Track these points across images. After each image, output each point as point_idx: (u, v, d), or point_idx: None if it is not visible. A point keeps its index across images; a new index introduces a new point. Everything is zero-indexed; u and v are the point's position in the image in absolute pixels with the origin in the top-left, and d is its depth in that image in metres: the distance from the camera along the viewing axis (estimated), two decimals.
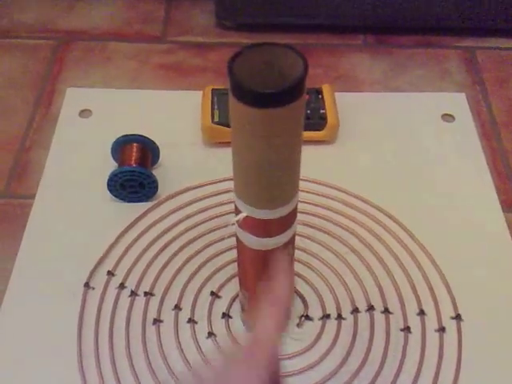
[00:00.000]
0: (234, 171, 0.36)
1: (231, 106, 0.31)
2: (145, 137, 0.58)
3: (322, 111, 0.61)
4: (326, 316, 0.49)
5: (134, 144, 0.57)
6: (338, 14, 0.74)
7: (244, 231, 0.38)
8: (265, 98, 0.29)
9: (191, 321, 0.49)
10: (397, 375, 0.46)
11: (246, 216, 0.37)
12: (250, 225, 0.37)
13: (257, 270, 0.42)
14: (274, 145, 0.32)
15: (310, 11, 0.74)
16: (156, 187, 0.57)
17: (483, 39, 0.76)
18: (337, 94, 0.64)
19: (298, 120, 0.32)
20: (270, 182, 0.34)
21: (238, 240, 0.41)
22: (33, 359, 0.47)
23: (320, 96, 0.63)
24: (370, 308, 0.50)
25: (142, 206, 0.57)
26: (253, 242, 0.39)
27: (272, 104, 0.29)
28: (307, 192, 0.58)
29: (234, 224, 0.38)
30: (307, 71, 0.30)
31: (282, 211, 0.36)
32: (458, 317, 0.49)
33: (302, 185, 0.57)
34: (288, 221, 0.38)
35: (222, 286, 0.51)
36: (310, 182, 0.59)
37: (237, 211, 0.38)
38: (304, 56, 0.30)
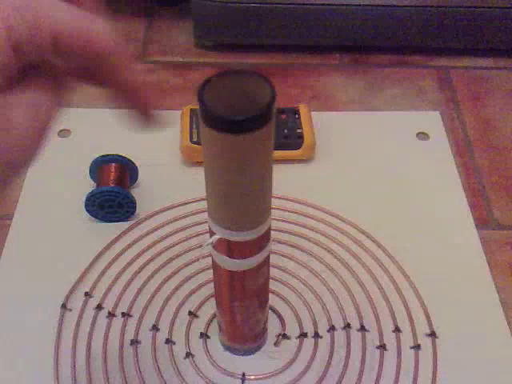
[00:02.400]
0: (207, 194, 0.36)
1: (202, 132, 0.32)
2: (123, 157, 0.58)
3: (298, 130, 0.62)
4: (303, 334, 0.50)
5: (113, 164, 0.58)
6: (315, 34, 0.76)
7: (218, 253, 0.39)
8: (234, 125, 0.30)
9: (169, 341, 0.49)
10: None
11: (220, 238, 0.37)
12: (223, 247, 0.38)
13: (232, 291, 0.42)
14: (245, 169, 0.33)
15: (287, 31, 0.76)
16: (134, 207, 0.57)
17: (457, 58, 0.78)
18: (313, 113, 0.65)
19: (267, 145, 0.33)
20: (242, 205, 0.35)
21: (212, 261, 0.41)
22: (9, 380, 0.47)
23: (297, 115, 0.64)
24: (347, 326, 0.50)
25: (120, 226, 0.57)
26: (227, 263, 0.39)
27: (241, 130, 0.30)
28: (284, 210, 0.58)
29: (207, 246, 0.39)
30: (275, 98, 0.31)
31: (255, 233, 0.37)
32: (432, 334, 0.50)
33: (278, 203, 0.59)
34: (261, 242, 0.39)
35: (199, 306, 0.52)
36: (286, 200, 0.59)
37: (211, 233, 0.38)
38: (272, 83, 0.31)
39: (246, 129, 0.30)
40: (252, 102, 0.31)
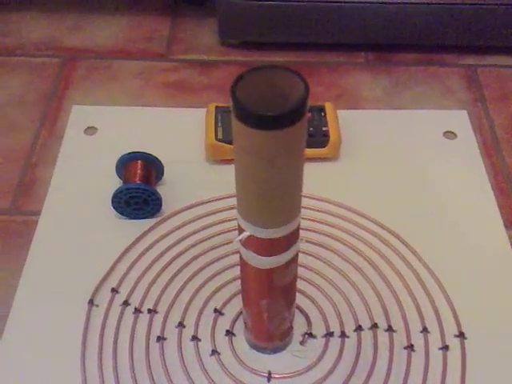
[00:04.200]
0: (237, 191, 0.36)
1: (234, 128, 0.32)
2: (149, 154, 0.58)
3: (324, 129, 0.62)
4: (330, 334, 0.49)
5: (139, 161, 0.58)
6: (340, 32, 0.75)
7: (247, 250, 0.39)
8: (268, 121, 0.30)
9: (195, 338, 0.49)
10: None
11: (249, 235, 0.37)
12: (253, 244, 0.38)
13: (259, 288, 0.42)
14: (277, 165, 0.32)
15: (312, 30, 0.75)
16: (160, 204, 0.57)
17: (484, 57, 0.77)
18: (339, 111, 0.64)
19: (300, 140, 0.33)
20: (273, 201, 0.35)
21: (241, 258, 0.41)
22: (37, 375, 0.47)
23: (323, 114, 0.63)
24: (374, 326, 0.50)
25: (146, 223, 0.57)
26: (256, 260, 0.39)
27: (275, 126, 0.30)
28: (310, 209, 0.58)
29: (237, 242, 0.39)
30: (308, 93, 0.31)
31: (285, 230, 0.37)
32: (461, 335, 0.49)
33: (305, 202, 0.58)
34: (291, 239, 0.38)
35: (225, 303, 0.51)
36: (312, 198, 0.59)
37: (240, 230, 0.38)
38: (305, 78, 0.31)
39: (279, 125, 0.30)
40: (285, 97, 0.31)
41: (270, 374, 0.47)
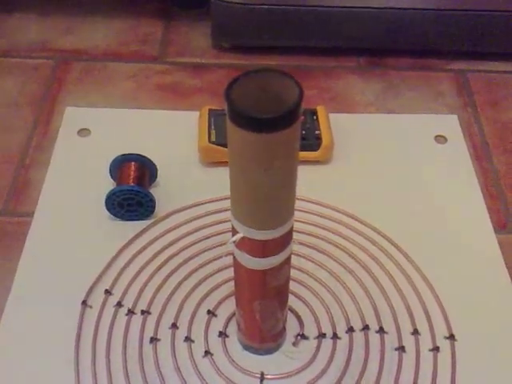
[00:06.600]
0: (232, 193, 0.36)
1: (229, 130, 0.32)
2: (143, 156, 0.58)
3: (316, 132, 0.63)
4: (322, 335, 0.50)
5: (132, 163, 0.58)
6: (333, 36, 0.76)
7: (240, 251, 0.39)
8: (262, 123, 0.30)
9: (188, 339, 0.49)
10: None
11: (243, 236, 0.37)
12: (246, 245, 0.38)
13: (253, 290, 0.42)
14: (271, 168, 0.33)
15: (305, 34, 0.76)
16: (154, 206, 0.58)
17: (475, 62, 0.78)
18: (331, 115, 0.65)
19: (293, 143, 0.33)
20: (267, 203, 0.35)
21: (234, 259, 0.41)
22: (31, 376, 0.47)
23: (315, 117, 0.64)
24: (365, 327, 0.50)
25: (139, 225, 0.57)
26: (249, 261, 0.39)
27: (269, 129, 0.30)
28: (303, 211, 0.58)
29: (231, 244, 0.39)
30: (303, 97, 0.31)
31: (279, 232, 0.37)
32: (451, 337, 0.50)
33: (297, 204, 0.58)
34: (284, 241, 0.39)
35: (218, 305, 0.52)
36: (305, 201, 0.59)
37: (233, 231, 0.38)
38: (299, 82, 0.32)
39: (274, 127, 0.30)
40: (279, 101, 0.31)
41: (262, 375, 0.47)
